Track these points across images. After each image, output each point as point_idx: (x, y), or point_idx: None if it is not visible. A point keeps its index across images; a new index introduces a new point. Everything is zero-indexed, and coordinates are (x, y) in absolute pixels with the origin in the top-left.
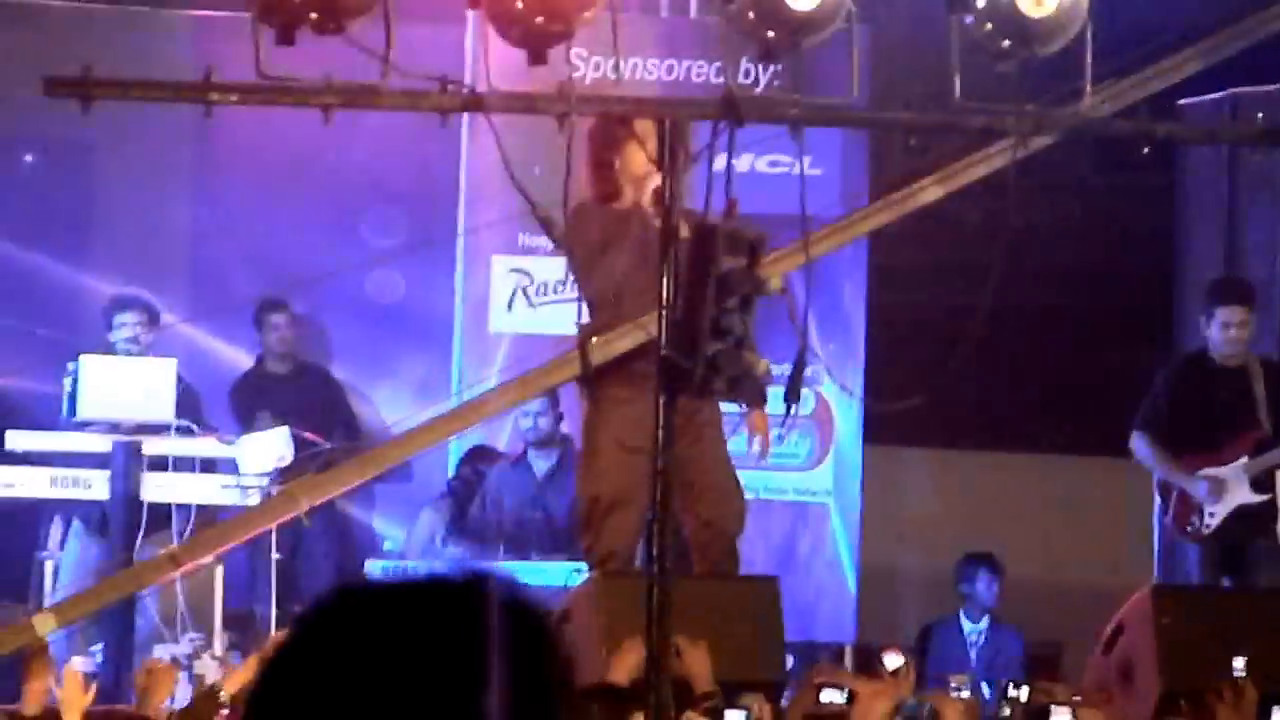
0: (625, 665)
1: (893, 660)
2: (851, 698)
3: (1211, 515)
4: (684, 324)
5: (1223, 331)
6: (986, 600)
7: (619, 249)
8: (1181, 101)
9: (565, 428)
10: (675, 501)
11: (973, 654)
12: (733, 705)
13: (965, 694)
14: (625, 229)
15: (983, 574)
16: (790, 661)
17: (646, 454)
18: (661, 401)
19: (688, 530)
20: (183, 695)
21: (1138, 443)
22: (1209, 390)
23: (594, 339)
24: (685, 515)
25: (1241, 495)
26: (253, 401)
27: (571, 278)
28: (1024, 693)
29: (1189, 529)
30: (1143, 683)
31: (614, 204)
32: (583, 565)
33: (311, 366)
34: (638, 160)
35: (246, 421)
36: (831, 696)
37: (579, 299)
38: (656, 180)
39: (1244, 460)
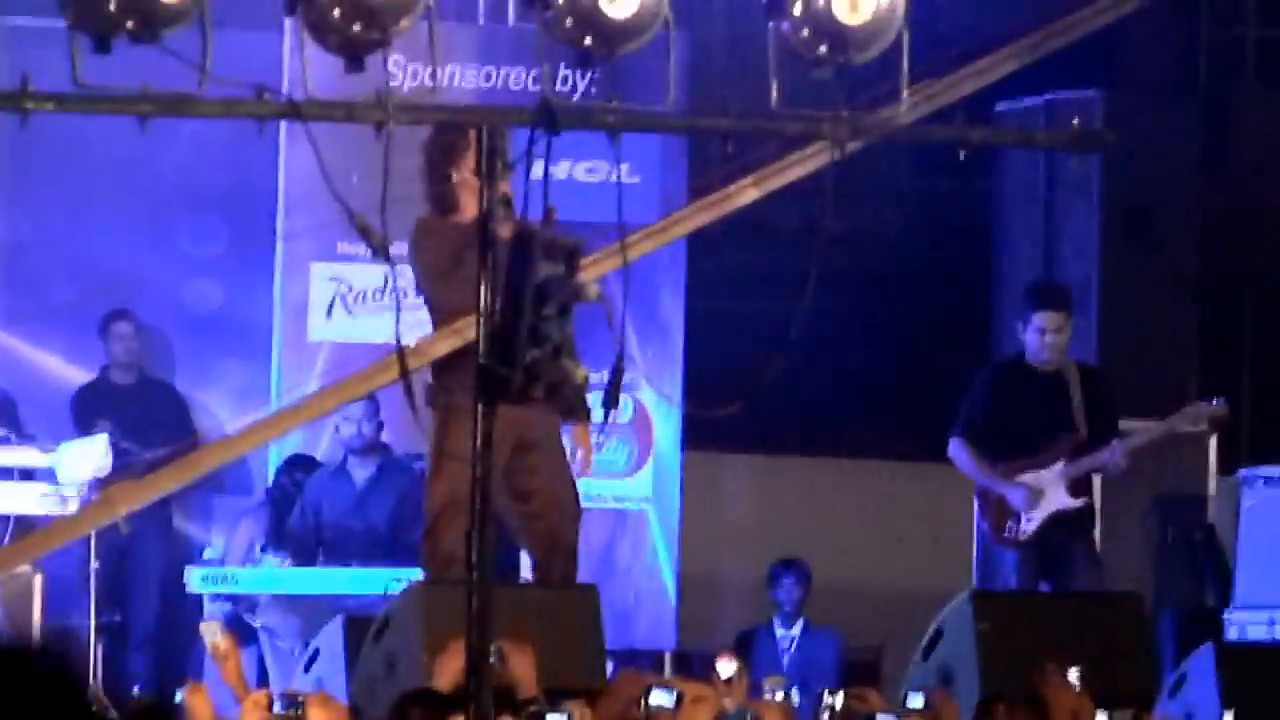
0: (448, 670)
1: (726, 667)
2: (679, 700)
3: (1029, 520)
4: (502, 331)
5: (1039, 337)
6: (788, 605)
7: (470, 263)
8: (998, 106)
9: (385, 436)
10: (512, 511)
11: (785, 659)
12: (555, 710)
13: (779, 696)
14: (473, 242)
15: (786, 579)
16: (610, 668)
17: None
18: (479, 409)
19: (526, 540)
20: None
21: (955, 449)
22: (1026, 396)
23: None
24: (524, 526)
25: (1058, 500)
26: (93, 411)
27: (416, 290)
28: (839, 699)
29: (1006, 534)
30: (962, 687)
31: (454, 216)
32: (402, 574)
33: (153, 379)
34: (473, 177)
35: (87, 431)
36: (660, 699)
37: (398, 308)
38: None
39: (1061, 465)
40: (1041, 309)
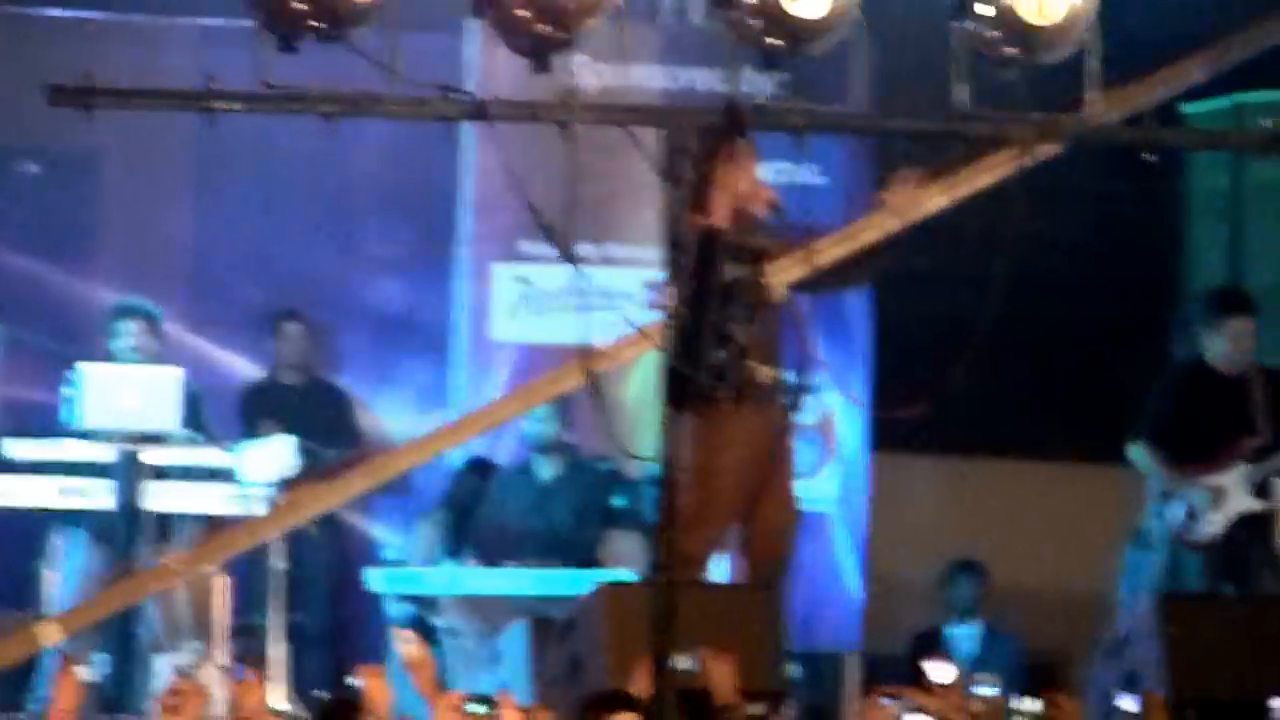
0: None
1: (943, 672)
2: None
3: (1211, 523)
4: (688, 333)
5: (1231, 344)
6: (962, 606)
7: None
8: (1185, 108)
9: (571, 437)
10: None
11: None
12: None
13: (993, 692)
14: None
15: (961, 579)
16: (796, 671)
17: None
18: (665, 410)
19: (746, 545)
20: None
21: (1137, 452)
22: (1209, 398)
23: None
24: (748, 530)
25: (1241, 502)
26: (260, 410)
27: None
28: (1028, 703)
29: (1189, 536)
30: (1149, 692)
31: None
32: (584, 573)
33: (323, 380)
34: (744, 178)
35: (252, 430)
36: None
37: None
38: (756, 198)
39: (1245, 467)
40: (1234, 315)
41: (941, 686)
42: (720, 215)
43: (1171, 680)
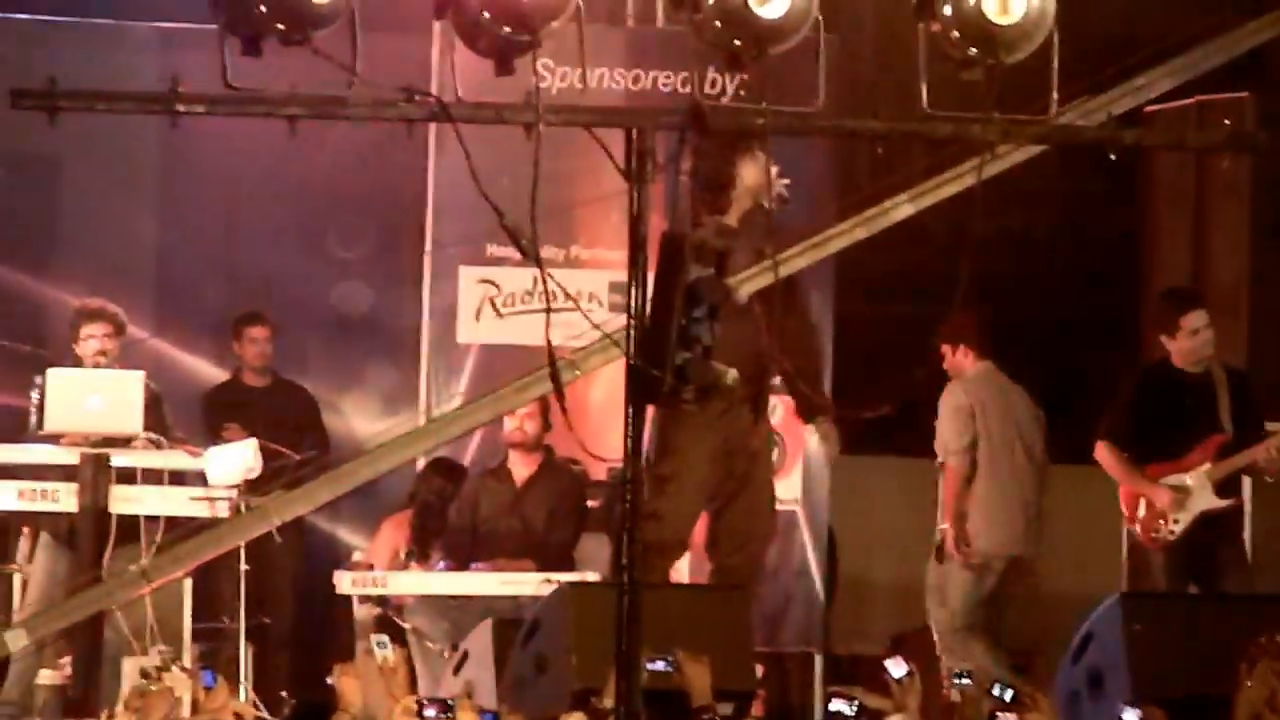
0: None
1: (897, 668)
2: (861, 711)
3: (1176, 522)
4: (653, 333)
5: (1191, 338)
6: None
7: None
8: (1148, 108)
9: (548, 439)
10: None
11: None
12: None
13: (968, 683)
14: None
15: None
16: (759, 670)
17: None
18: (629, 411)
19: (715, 543)
20: None
21: (1102, 452)
22: (1173, 398)
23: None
24: (717, 528)
25: (1205, 501)
26: (223, 413)
27: None
28: (1009, 694)
29: (1154, 536)
30: (1113, 689)
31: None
32: (553, 575)
33: (287, 381)
34: (752, 175)
35: (215, 433)
36: (840, 707)
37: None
38: (770, 193)
39: (1207, 466)
40: (1189, 309)
41: (898, 683)
42: (736, 213)
43: (1132, 678)
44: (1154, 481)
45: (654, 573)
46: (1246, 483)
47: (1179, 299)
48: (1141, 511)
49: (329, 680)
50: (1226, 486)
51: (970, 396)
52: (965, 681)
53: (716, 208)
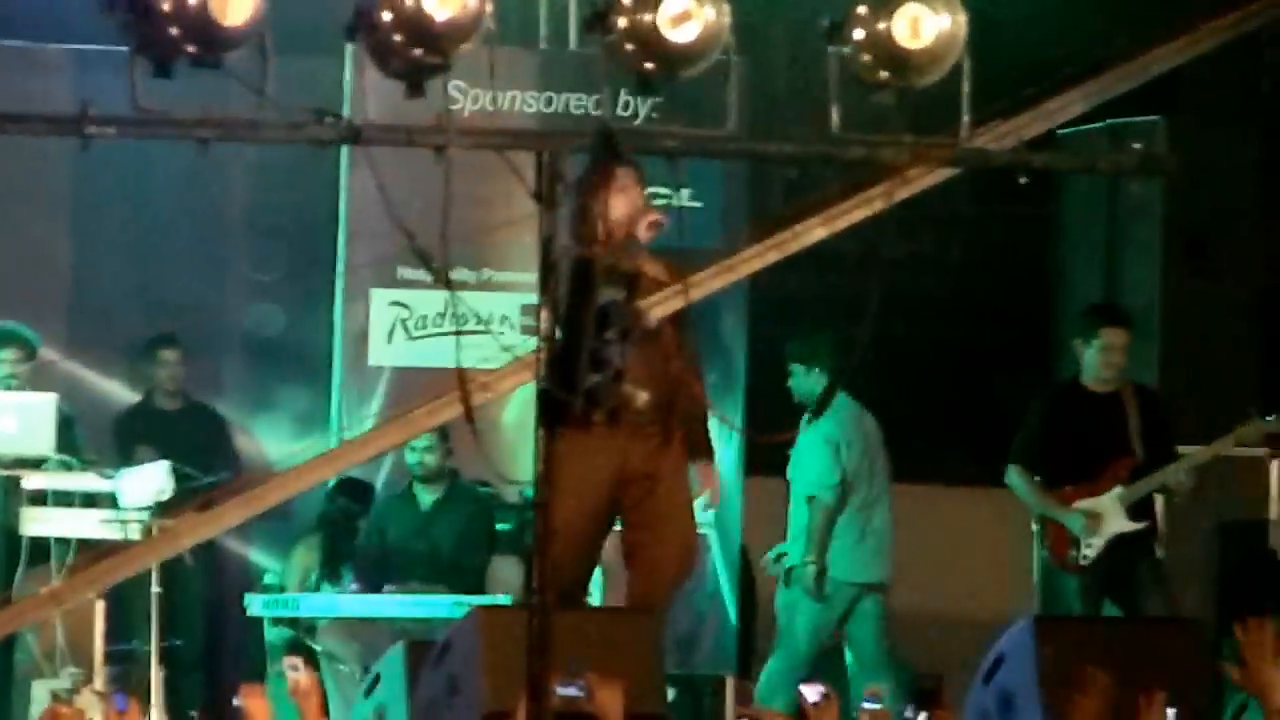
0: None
1: (812, 691)
2: None
3: (1089, 547)
4: (563, 356)
5: (1103, 355)
6: None
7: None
8: (1060, 131)
9: (451, 461)
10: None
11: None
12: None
13: (878, 706)
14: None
15: None
16: (670, 694)
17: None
18: (540, 435)
19: (630, 568)
20: None
21: (1013, 476)
22: (1083, 419)
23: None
24: (631, 554)
25: (1118, 524)
26: (135, 435)
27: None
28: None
29: (1068, 561)
30: (1024, 713)
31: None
32: (465, 598)
33: (199, 404)
34: (626, 203)
35: (127, 455)
36: None
37: (458, 332)
38: (641, 223)
39: (1119, 490)
40: (1108, 326)
41: (814, 706)
42: (598, 242)
43: (1043, 700)
44: (1066, 505)
45: (570, 594)
46: (1159, 502)
47: (1105, 313)
48: (1054, 536)
49: (234, 702)
50: (1139, 508)
51: (839, 428)
52: (875, 706)
53: (577, 234)
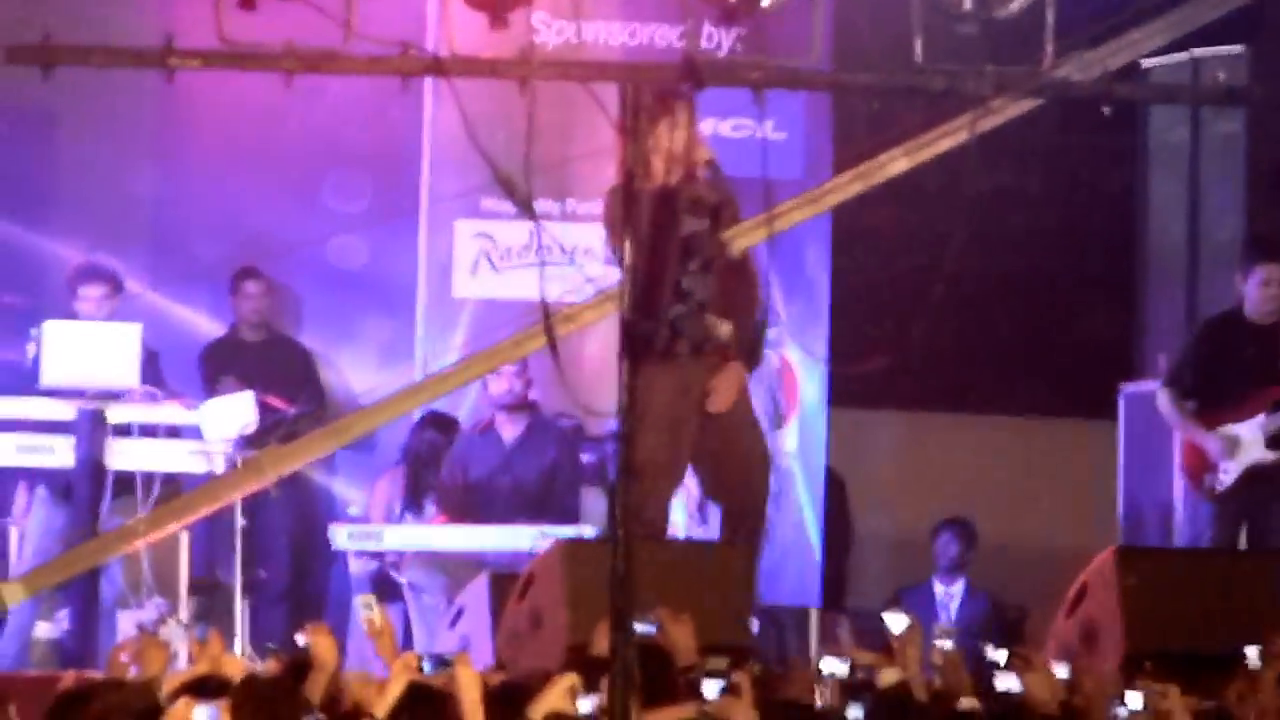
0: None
1: (897, 622)
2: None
3: (1225, 472)
4: (646, 287)
5: (1263, 289)
6: (944, 562)
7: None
8: (1144, 63)
9: (533, 394)
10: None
11: (943, 617)
12: (711, 674)
13: (949, 646)
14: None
15: (943, 536)
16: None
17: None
18: (624, 365)
19: (716, 496)
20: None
21: (1161, 398)
22: (1238, 347)
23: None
24: (715, 480)
25: (1256, 453)
26: (220, 368)
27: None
28: (1002, 656)
29: (1203, 486)
30: (1107, 645)
31: (646, 183)
32: (549, 528)
33: (284, 336)
34: (676, 138)
35: (211, 386)
36: (832, 668)
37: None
38: (695, 157)
39: (1261, 418)
40: (1266, 260)
41: (897, 638)
42: (654, 174)
43: (1126, 631)
44: (1206, 430)
45: (654, 524)
46: None
47: (1258, 248)
48: (1192, 460)
49: (298, 639)
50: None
51: None
52: (946, 644)
53: (636, 170)
